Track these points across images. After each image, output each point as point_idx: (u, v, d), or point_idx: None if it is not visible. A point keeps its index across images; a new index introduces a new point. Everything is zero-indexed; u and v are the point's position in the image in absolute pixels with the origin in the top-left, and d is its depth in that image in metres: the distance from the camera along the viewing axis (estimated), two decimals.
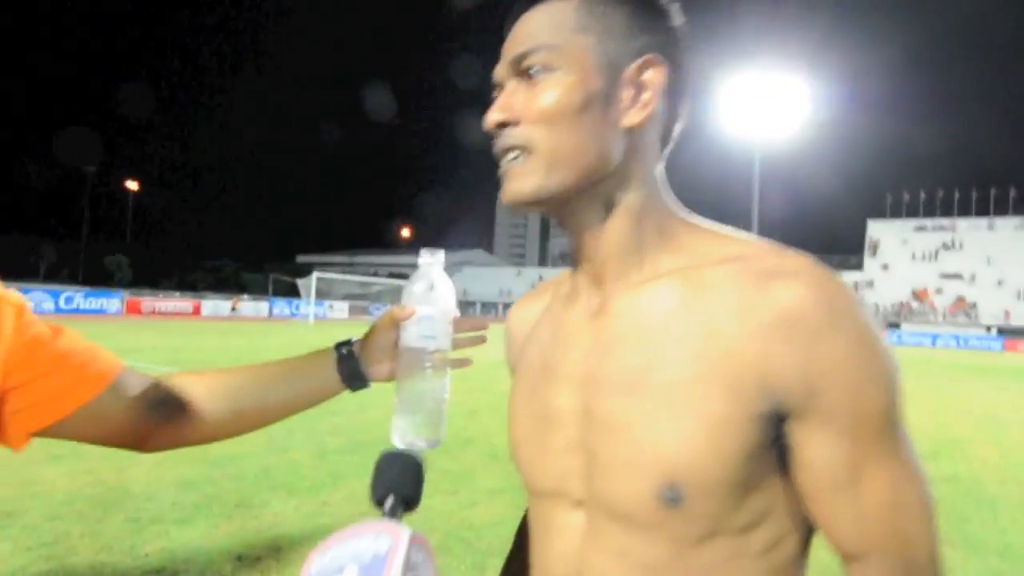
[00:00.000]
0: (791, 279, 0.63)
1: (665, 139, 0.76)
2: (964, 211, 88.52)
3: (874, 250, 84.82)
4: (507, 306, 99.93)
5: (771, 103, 36.51)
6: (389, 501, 0.61)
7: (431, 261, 0.88)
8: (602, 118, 0.70)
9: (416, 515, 2.88)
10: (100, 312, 31.43)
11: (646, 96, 0.71)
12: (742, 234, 0.74)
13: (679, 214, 0.76)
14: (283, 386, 0.96)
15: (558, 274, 0.91)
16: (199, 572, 3.35)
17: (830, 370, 0.61)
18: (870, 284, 75.79)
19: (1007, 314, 63.70)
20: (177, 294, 42.15)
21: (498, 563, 4.18)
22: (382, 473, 0.65)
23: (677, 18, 0.73)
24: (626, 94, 0.70)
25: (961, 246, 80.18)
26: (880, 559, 0.64)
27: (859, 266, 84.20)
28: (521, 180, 0.70)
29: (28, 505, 4.22)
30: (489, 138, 0.74)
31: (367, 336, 0.95)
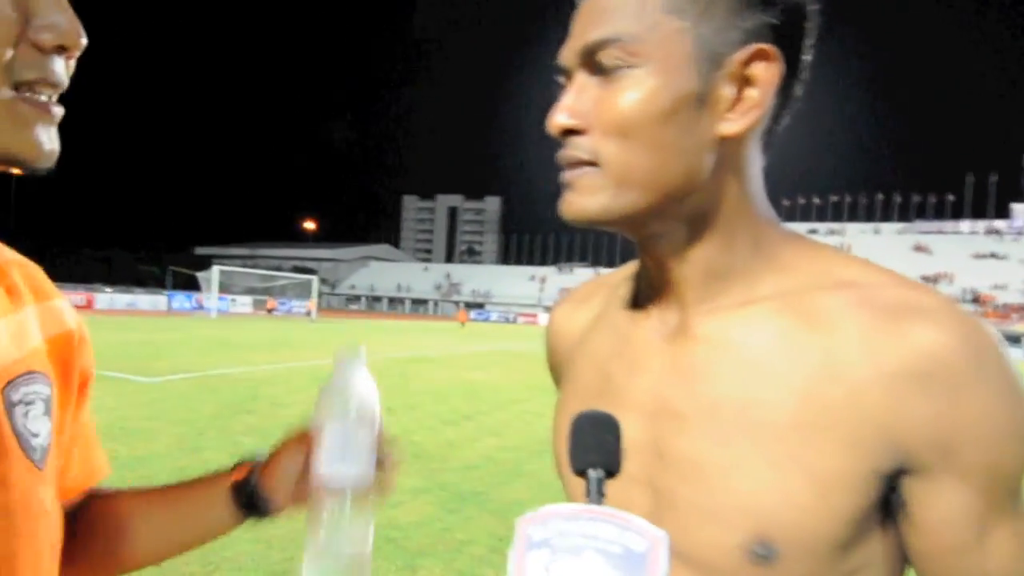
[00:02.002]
0: (928, 320, 0.55)
1: (771, 132, 0.64)
2: (853, 216, 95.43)
3: None
4: (415, 302, 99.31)
5: None
6: (595, 476, 0.50)
7: (351, 361, 0.71)
8: (692, 126, 0.58)
9: None
10: None
11: (753, 97, 0.58)
12: (852, 254, 0.64)
13: (778, 228, 0.66)
14: (166, 521, 0.80)
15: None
16: None
17: (970, 426, 0.53)
18: None
19: None
20: (69, 286, 39.45)
21: (428, 563, 4.40)
22: (580, 437, 0.53)
23: None
24: (726, 93, 0.58)
25: (850, 249, 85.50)
26: None
27: None
28: (586, 197, 0.60)
29: None
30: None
31: (270, 458, 0.78)
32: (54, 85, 0.50)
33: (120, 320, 26.49)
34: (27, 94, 0.49)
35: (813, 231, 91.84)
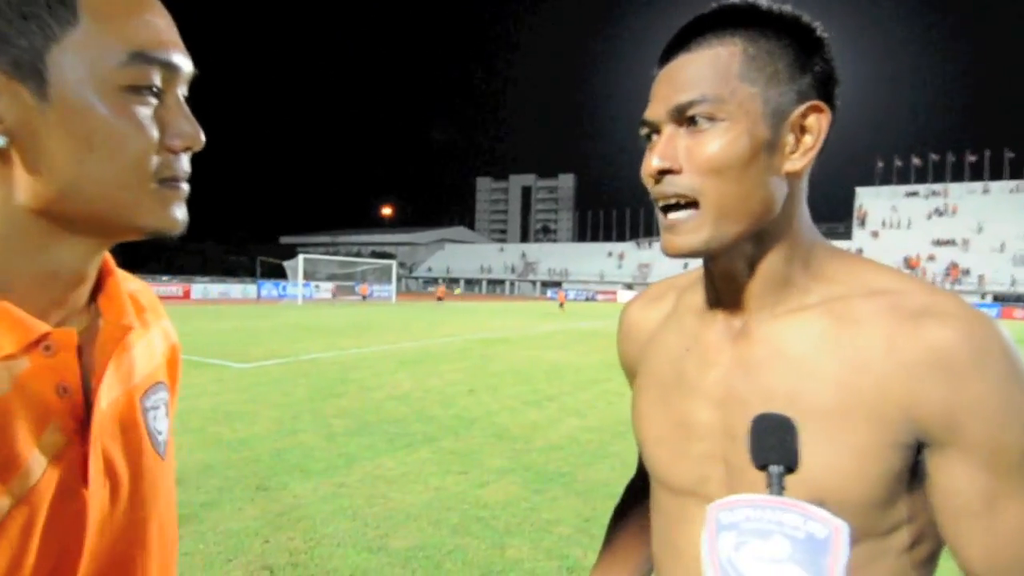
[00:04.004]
0: (943, 320, 0.66)
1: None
2: (957, 176, 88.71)
3: (863, 219, 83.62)
4: (491, 282, 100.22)
5: None
6: (775, 471, 0.59)
7: None
8: (767, 166, 0.70)
9: (430, 495, 3.23)
10: None
11: (808, 141, 0.72)
12: (888, 266, 0.76)
13: (824, 245, 0.78)
14: None
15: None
16: (231, 554, 3.57)
17: (973, 407, 0.63)
18: (859, 253, 74.85)
19: (1005, 280, 62.87)
20: (166, 278, 41.94)
21: (516, 542, 4.48)
22: (761, 438, 0.65)
23: (830, 54, 0.73)
24: (790, 139, 0.71)
25: (954, 212, 78.71)
26: None
27: (847, 235, 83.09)
28: (691, 235, 0.72)
29: None
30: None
31: None
32: (183, 175, 0.66)
33: (215, 309, 27.97)
34: (168, 185, 0.64)
35: (913, 193, 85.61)
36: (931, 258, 71.35)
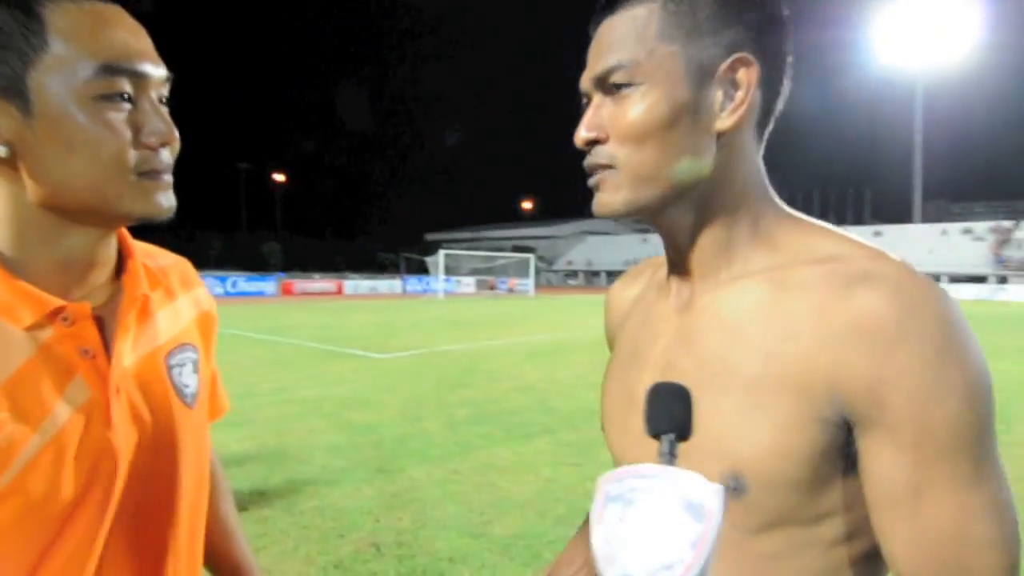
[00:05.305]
0: (875, 285, 0.61)
1: (765, 123, 0.73)
2: None
3: None
4: None
5: (935, 25, 31.78)
6: (667, 439, 0.58)
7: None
8: (692, 127, 0.68)
9: (540, 485, 3.22)
10: (259, 295, 34.93)
11: (739, 96, 0.68)
12: (843, 232, 0.71)
13: (776, 209, 0.74)
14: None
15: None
16: (344, 530, 3.80)
17: (897, 381, 0.58)
18: None
19: None
20: (318, 275, 45.24)
21: None
22: (654, 407, 0.62)
23: None
24: (717, 96, 0.68)
25: None
26: None
27: None
28: (611, 194, 0.71)
29: None
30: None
31: None
32: (163, 167, 0.75)
33: (364, 303, 29.73)
34: (149, 176, 0.73)
35: None
36: None
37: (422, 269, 49.61)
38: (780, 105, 0.73)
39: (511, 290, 45.23)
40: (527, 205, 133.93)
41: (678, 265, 0.77)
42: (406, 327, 17.27)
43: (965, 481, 0.58)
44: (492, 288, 45.90)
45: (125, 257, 0.84)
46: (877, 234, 70.73)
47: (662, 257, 0.89)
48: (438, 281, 40.53)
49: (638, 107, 0.67)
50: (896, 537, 0.61)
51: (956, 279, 54.00)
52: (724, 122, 0.69)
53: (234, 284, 34.47)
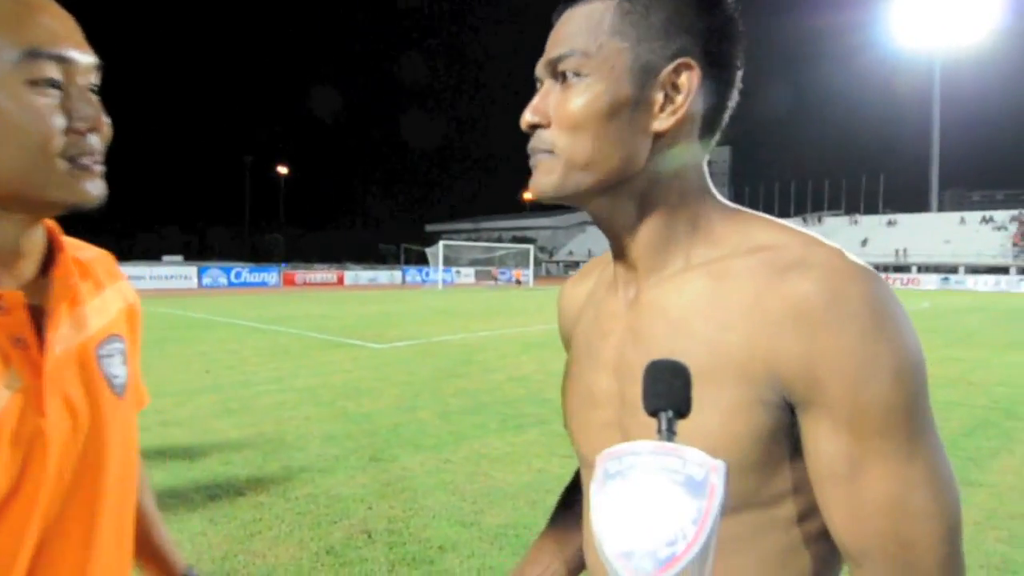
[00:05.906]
0: (806, 271, 0.64)
1: (710, 129, 0.75)
2: None
3: None
4: None
5: (952, 8, 30.72)
6: (665, 416, 0.57)
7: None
8: (630, 123, 0.70)
9: (531, 476, 3.38)
10: (262, 285, 35.14)
11: (679, 100, 0.70)
12: (781, 222, 0.73)
13: (716, 204, 0.77)
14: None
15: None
16: (337, 516, 3.88)
17: (830, 362, 0.61)
18: None
19: None
20: (323, 266, 45.34)
21: None
22: (652, 384, 0.60)
23: (722, 11, 0.72)
24: (658, 98, 0.70)
25: None
26: (877, 562, 0.63)
27: None
28: (543, 177, 0.73)
29: (207, 451, 5.06)
30: None
31: None
32: (92, 153, 0.75)
33: (363, 294, 29.79)
34: (77, 162, 0.74)
35: None
36: None
37: (422, 260, 49.59)
38: (726, 115, 0.76)
39: (518, 282, 44.91)
40: (528, 195, 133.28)
41: (623, 261, 0.80)
42: (404, 317, 17.33)
43: (901, 455, 0.61)
44: (495, 279, 45.83)
45: (55, 250, 0.83)
46: (891, 223, 69.54)
47: (609, 258, 0.91)
48: (437, 272, 40.55)
49: (581, 97, 0.70)
50: (838, 512, 0.64)
51: (975, 270, 51.72)
52: (662, 123, 0.71)
53: (238, 275, 34.88)
